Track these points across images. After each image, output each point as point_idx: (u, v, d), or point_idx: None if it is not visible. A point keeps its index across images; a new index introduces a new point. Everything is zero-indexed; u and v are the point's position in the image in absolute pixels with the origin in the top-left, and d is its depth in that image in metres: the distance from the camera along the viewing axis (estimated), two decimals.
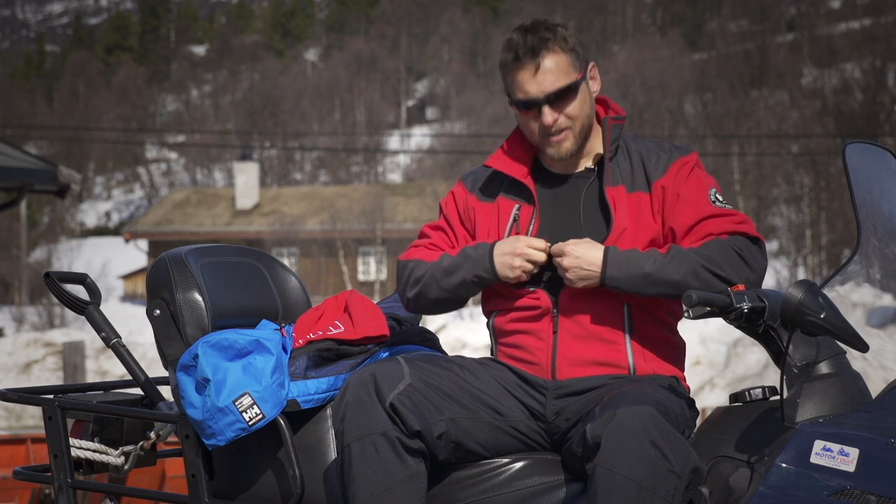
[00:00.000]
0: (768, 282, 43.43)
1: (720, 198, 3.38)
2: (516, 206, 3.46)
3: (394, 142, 77.15)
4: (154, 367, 16.64)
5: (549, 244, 3.36)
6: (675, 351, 3.44)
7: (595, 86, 3.48)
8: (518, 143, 3.52)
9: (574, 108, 3.39)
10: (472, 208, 3.52)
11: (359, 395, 3.20)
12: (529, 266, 3.35)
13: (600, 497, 3.00)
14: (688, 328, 21.07)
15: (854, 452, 2.95)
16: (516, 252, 3.33)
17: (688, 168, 3.41)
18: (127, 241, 52.87)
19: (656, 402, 3.10)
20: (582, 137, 3.43)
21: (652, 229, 3.38)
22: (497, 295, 3.47)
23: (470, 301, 3.61)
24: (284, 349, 3.47)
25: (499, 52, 3.48)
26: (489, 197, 3.51)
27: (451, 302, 3.46)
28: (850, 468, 2.94)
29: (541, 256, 3.34)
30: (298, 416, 3.43)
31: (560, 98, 3.38)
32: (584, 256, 3.28)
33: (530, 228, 3.43)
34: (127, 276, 55.07)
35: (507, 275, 3.35)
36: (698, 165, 3.43)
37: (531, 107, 3.39)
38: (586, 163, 3.49)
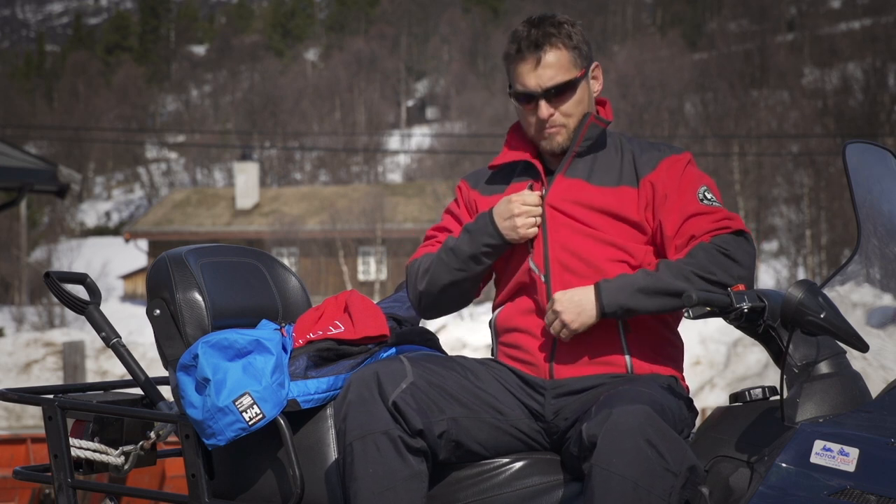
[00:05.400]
0: (768, 282, 43.47)
1: (709, 196, 3.37)
2: (529, 183, 3.47)
3: (394, 142, 77.15)
4: (154, 367, 16.63)
5: (541, 193, 3.40)
6: (673, 350, 3.44)
7: (596, 86, 3.51)
8: (518, 137, 3.54)
9: (570, 105, 3.42)
10: (473, 201, 3.53)
11: (361, 393, 3.20)
12: (532, 221, 3.36)
13: (597, 497, 3.01)
14: (688, 328, 21.02)
15: (854, 452, 2.95)
16: (514, 213, 3.34)
17: (679, 166, 3.41)
18: (127, 241, 52.88)
19: (652, 401, 3.10)
20: (576, 134, 3.44)
21: (627, 222, 3.38)
22: (501, 289, 3.48)
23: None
24: (284, 349, 3.47)
25: (502, 46, 3.51)
26: (495, 189, 3.52)
27: (462, 285, 3.42)
28: (850, 468, 2.94)
29: (538, 210, 3.36)
30: (298, 416, 3.43)
31: (557, 94, 3.40)
32: (574, 295, 3.28)
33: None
34: (127, 276, 55.08)
35: (513, 236, 3.36)
36: (691, 164, 3.44)
37: (529, 100, 3.41)
38: None
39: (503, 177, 3.54)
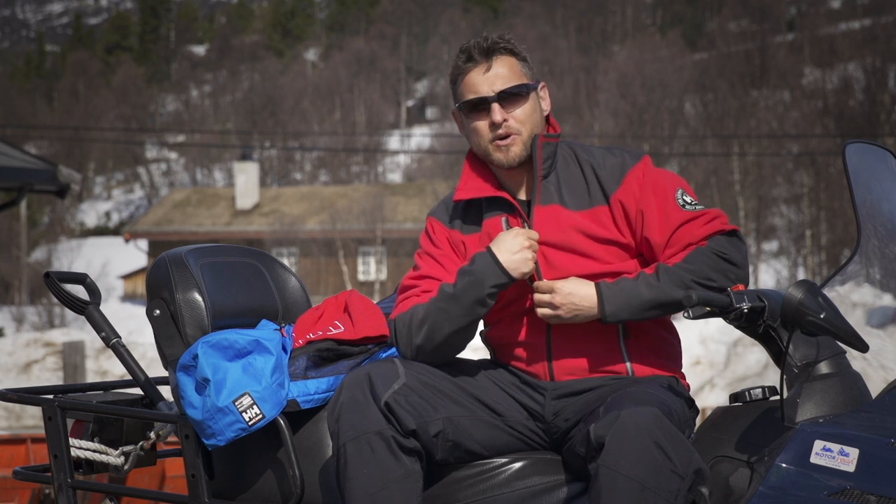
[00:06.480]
0: (768, 282, 43.47)
1: (688, 199, 3.35)
2: (504, 218, 3.43)
3: (394, 142, 77.14)
4: (154, 367, 16.64)
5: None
6: (672, 349, 3.43)
7: (545, 105, 3.46)
8: (478, 168, 3.48)
9: (524, 111, 3.37)
10: (459, 242, 3.46)
11: (354, 395, 3.19)
12: (535, 253, 3.32)
13: (603, 497, 3.00)
14: (688, 328, 21.05)
15: (854, 452, 2.95)
16: (524, 246, 3.28)
17: (647, 175, 3.37)
18: (127, 241, 52.88)
19: (660, 402, 3.10)
20: (530, 147, 3.39)
21: (616, 244, 3.35)
22: (494, 312, 3.43)
23: None
24: (284, 349, 3.47)
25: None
26: (473, 227, 3.45)
27: (465, 331, 3.32)
28: (850, 468, 2.94)
29: (537, 245, 3.32)
30: (298, 416, 3.43)
31: (511, 98, 3.36)
32: (575, 292, 3.26)
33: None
34: (127, 276, 55.08)
35: (524, 270, 3.29)
36: (653, 166, 3.40)
37: (481, 105, 3.37)
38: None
39: (474, 214, 3.46)
